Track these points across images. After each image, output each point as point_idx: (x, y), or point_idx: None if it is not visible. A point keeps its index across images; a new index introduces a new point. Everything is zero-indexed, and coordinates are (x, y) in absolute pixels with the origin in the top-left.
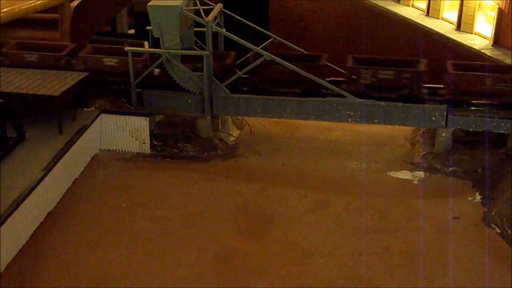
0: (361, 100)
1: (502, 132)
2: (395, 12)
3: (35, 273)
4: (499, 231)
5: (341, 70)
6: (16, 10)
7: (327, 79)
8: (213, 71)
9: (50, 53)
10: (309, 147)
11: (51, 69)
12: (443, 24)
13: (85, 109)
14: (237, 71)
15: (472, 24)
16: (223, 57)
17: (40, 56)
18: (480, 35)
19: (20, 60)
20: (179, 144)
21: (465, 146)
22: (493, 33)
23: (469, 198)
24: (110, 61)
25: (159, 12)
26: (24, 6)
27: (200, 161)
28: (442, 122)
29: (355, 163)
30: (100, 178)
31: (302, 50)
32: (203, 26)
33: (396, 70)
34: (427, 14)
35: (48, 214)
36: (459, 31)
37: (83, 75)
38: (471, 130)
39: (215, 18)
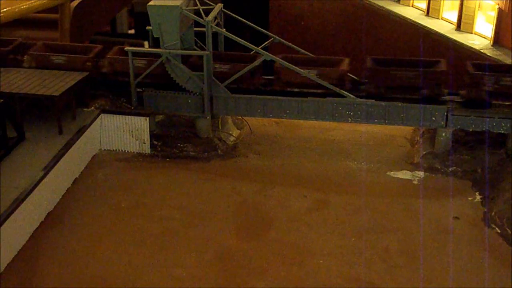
0: (361, 100)
1: (502, 132)
2: (395, 12)
3: (35, 273)
4: (499, 231)
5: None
6: (16, 10)
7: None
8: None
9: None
10: (309, 147)
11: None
12: (443, 24)
13: (85, 109)
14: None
15: (472, 24)
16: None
17: (147, 61)
18: (480, 35)
19: (123, 67)
20: (179, 144)
21: (465, 146)
22: (493, 33)
23: (469, 198)
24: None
25: (159, 12)
26: (24, 6)
27: (200, 161)
28: (442, 122)
29: (355, 163)
30: (100, 178)
31: (303, 51)
32: (203, 26)
33: None
34: (427, 14)
35: (48, 214)
36: (459, 31)
37: (83, 75)
38: (471, 130)
39: (215, 18)
